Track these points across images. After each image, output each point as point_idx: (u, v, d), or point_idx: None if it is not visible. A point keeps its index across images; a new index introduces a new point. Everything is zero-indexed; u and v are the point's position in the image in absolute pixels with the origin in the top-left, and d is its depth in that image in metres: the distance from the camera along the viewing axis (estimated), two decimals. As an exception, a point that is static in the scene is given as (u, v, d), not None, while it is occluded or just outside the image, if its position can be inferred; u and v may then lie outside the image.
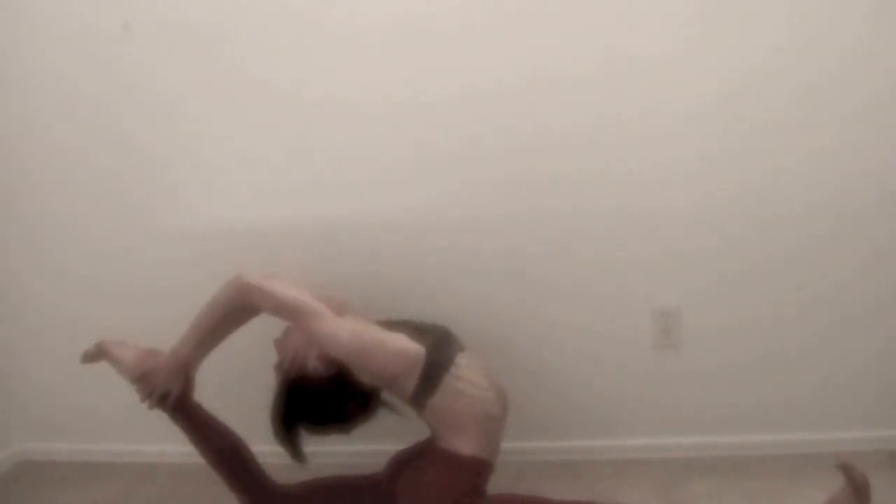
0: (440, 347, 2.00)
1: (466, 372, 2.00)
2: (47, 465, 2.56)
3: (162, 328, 2.47)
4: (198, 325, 2.05)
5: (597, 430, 2.50)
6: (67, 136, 2.49)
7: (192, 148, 2.47)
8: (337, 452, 2.42)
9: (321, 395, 1.99)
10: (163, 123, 2.46)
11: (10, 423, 2.63)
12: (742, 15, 2.28)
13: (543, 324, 2.46)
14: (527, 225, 2.42)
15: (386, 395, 2.08)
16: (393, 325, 2.07)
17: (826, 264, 2.39)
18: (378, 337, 1.98)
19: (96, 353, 2.19)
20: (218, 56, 2.41)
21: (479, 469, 1.97)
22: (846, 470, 1.90)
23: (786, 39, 2.29)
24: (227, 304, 2.02)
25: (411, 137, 2.41)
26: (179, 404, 2.10)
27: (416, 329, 2.05)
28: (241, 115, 2.44)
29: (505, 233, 2.43)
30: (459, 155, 2.40)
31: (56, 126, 2.49)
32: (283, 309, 1.99)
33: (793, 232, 2.38)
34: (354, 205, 2.45)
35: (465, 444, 1.94)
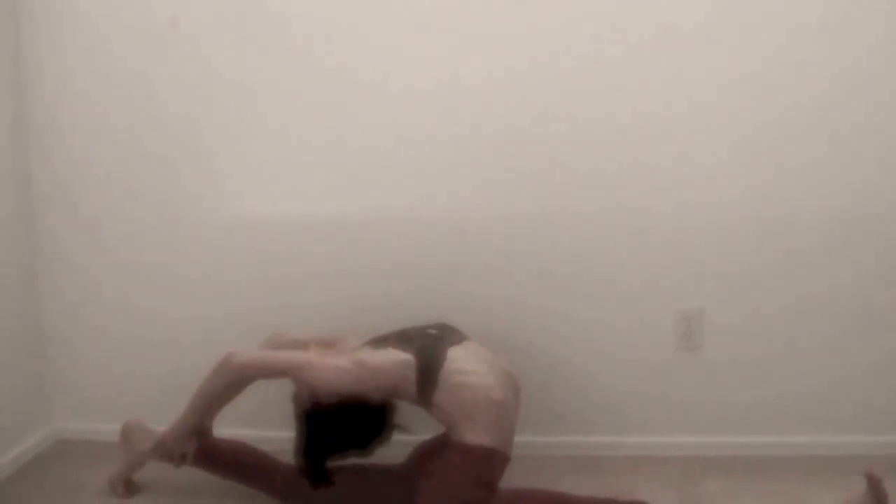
0: (428, 349, 2.08)
1: (462, 364, 2.06)
2: (84, 445, 2.61)
3: (203, 318, 2.57)
4: (196, 402, 2.16)
5: (617, 426, 2.54)
6: (121, 126, 2.53)
7: (238, 138, 2.51)
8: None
9: (338, 419, 2.06)
10: (211, 112, 2.50)
11: (49, 403, 2.69)
12: (765, 20, 2.31)
13: (567, 322, 2.50)
14: (552, 224, 2.45)
15: (399, 419, 2.14)
16: (381, 340, 2.16)
17: (845, 268, 2.42)
18: (363, 361, 2.06)
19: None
20: (268, 49, 2.45)
21: (489, 458, 2.00)
22: (872, 480, 1.92)
23: (807, 46, 2.32)
24: (225, 384, 2.13)
25: (442, 137, 2.44)
26: (200, 458, 2.24)
27: (403, 338, 2.14)
28: (287, 109, 2.47)
29: (530, 231, 2.46)
30: (486, 156, 2.43)
31: (110, 116, 2.53)
32: (275, 375, 2.13)
33: (812, 235, 2.41)
34: (385, 201, 2.49)
35: (473, 434, 1.99)
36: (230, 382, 2.13)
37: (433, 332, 2.19)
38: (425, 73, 2.42)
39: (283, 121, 2.49)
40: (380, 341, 2.17)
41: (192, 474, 2.29)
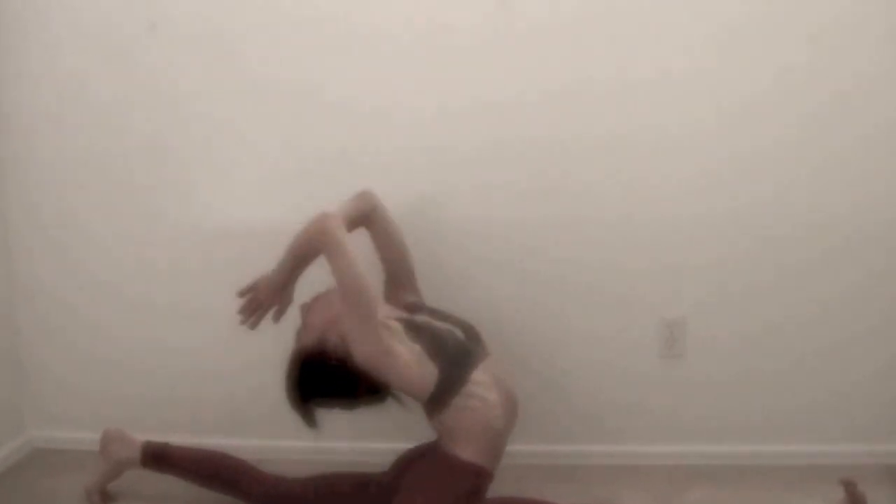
0: (454, 368, 1.99)
1: (478, 389, 1.99)
2: (59, 454, 2.58)
3: (173, 327, 2.54)
4: (287, 253, 2.05)
5: (599, 435, 2.52)
6: (84, 136, 2.50)
7: (207, 148, 2.48)
8: (344, 450, 2.48)
9: (334, 373, 2.00)
10: (179, 123, 2.47)
11: (24, 412, 2.65)
12: (756, 35, 2.32)
13: (551, 329, 2.49)
14: (537, 231, 2.44)
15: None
16: (415, 328, 2.06)
17: (830, 279, 2.42)
18: (399, 356, 1.96)
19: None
20: (235, 57, 2.42)
21: (476, 474, 1.98)
22: (848, 486, 1.95)
23: (799, 59, 2.32)
24: (309, 239, 2.02)
25: (427, 142, 2.43)
26: (178, 468, 2.24)
27: (434, 340, 2.03)
28: (256, 116, 2.45)
29: (516, 238, 2.45)
30: (474, 160, 2.42)
31: (73, 126, 2.50)
32: (343, 281, 1.95)
33: (799, 246, 2.41)
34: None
35: (466, 452, 1.96)
36: (311, 241, 2.01)
37: (460, 335, 2.09)
38: (416, 87, 2.40)
39: (249, 129, 2.46)
40: (414, 329, 2.06)
41: (168, 484, 2.26)
